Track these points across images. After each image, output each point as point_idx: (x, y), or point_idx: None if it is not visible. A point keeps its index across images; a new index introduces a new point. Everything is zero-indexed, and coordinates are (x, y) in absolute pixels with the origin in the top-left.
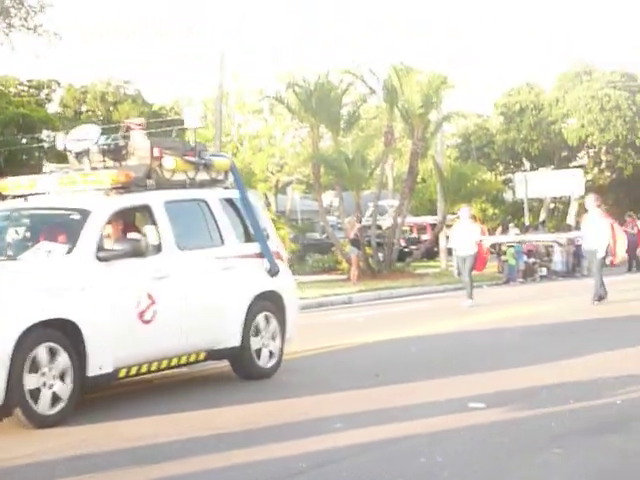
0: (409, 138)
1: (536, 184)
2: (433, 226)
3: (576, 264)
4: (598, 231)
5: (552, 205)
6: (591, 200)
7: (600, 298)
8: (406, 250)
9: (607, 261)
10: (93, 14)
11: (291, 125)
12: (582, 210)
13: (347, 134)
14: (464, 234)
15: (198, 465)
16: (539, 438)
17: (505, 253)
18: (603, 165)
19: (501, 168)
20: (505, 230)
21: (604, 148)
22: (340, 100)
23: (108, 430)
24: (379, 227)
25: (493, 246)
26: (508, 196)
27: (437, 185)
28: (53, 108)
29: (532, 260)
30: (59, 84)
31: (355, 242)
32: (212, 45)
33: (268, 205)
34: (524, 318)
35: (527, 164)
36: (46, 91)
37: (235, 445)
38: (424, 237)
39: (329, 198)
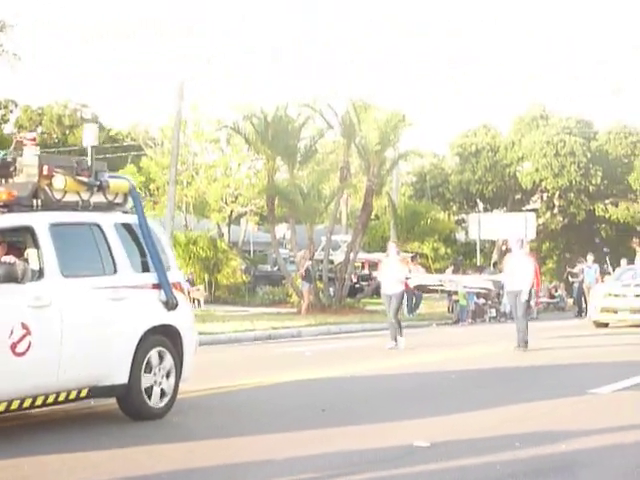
0: (365, 174)
1: (489, 226)
2: None
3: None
4: (522, 272)
5: (504, 247)
6: (514, 240)
7: (525, 344)
8: (357, 286)
9: (532, 303)
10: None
11: (247, 156)
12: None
13: (303, 168)
14: (390, 272)
15: None
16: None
17: (456, 293)
18: (556, 210)
19: (455, 208)
20: (456, 270)
21: (557, 193)
22: (297, 133)
23: None
24: (331, 262)
25: (418, 287)
26: (461, 236)
27: (391, 222)
28: (9, 129)
29: (482, 301)
30: (16, 105)
31: (307, 276)
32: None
33: (221, 235)
34: (454, 361)
35: (481, 205)
36: (2, 111)
37: None
38: (375, 274)
39: (282, 231)
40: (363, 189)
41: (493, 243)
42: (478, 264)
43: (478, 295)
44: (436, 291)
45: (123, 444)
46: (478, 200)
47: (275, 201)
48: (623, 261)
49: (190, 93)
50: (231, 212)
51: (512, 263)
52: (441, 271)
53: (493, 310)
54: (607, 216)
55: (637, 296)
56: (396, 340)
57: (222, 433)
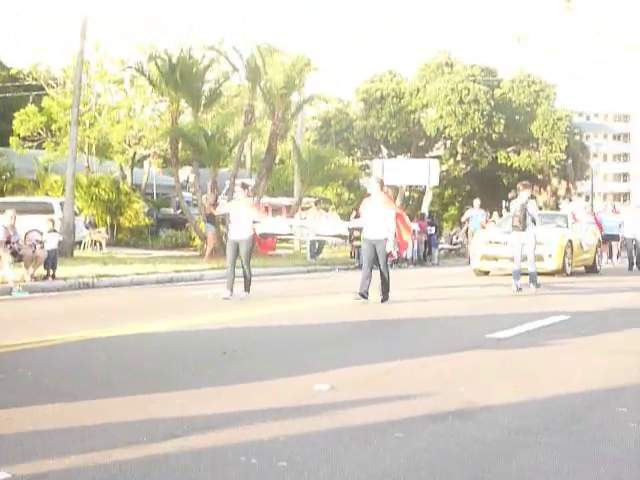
0: (269, 118)
1: (393, 172)
2: (289, 207)
3: (427, 253)
4: (382, 218)
5: (407, 193)
6: (373, 182)
7: (362, 296)
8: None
9: (395, 253)
10: None
11: (151, 98)
12: (435, 200)
13: (208, 111)
14: (240, 215)
15: None
16: (380, 422)
17: (358, 238)
18: (459, 157)
19: (359, 154)
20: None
21: (461, 140)
22: (202, 76)
23: None
24: None
25: (265, 235)
26: (364, 182)
27: (295, 167)
28: None
29: None
30: None
31: (211, 219)
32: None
33: (124, 178)
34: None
35: (385, 151)
36: None
37: None
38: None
39: (186, 174)
40: (268, 133)
41: (397, 189)
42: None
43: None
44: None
45: None
46: (382, 146)
47: (179, 144)
48: (476, 201)
49: (93, 32)
50: (134, 154)
51: (371, 208)
52: (345, 217)
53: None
54: (509, 164)
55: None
56: (232, 290)
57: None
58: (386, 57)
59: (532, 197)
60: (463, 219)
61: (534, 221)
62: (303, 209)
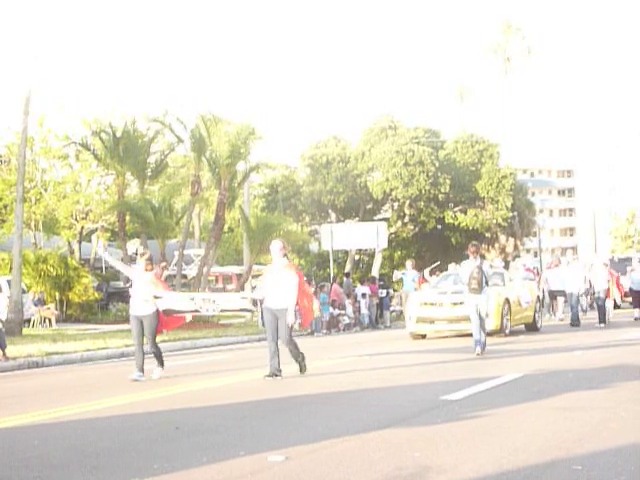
0: (216, 188)
1: (342, 236)
2: (239, 276)
3: (379, 315)
4: (284, 286)
5: (357, 257)
6: (276, 247)
7: (274, 374)
8: None
9: (297, 325)
10: None
11: (97, 172)
12: (385, 262)
13: (154, 182)
14: (140, 289)
15: None
16: None
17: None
18: (407, 219)
19: (307, 219)
20: (309, 282)
21: (408, 202)
22: (147, 148)
23: None
24: (184, 276)
25: (167, 312)
26: (314, 247)
27: (244, 235)
28: None
29: (337, 311)
30: None
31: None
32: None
33: (72, 253)
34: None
35: (333, 215)
36: None
37: None
38: (230, 287)
39: (135, 246)
40: (215, 202)
41: (346, 253)
42: (332, 275)
43: (332, 304)
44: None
45: None
46: (330, 211)
47: (126, 217)
48: (451, 265)
49: (37, 106)
50: (82, 229)
51: (272, 275)
52: None
53: (346, 318)
54: (456, 223)
55: (454, 304)
56: (142, 370)
57: None
58: (330, 122)
59: (483, 257)
60: (394, 279)
61: (487, 283)
62: (254, 277)
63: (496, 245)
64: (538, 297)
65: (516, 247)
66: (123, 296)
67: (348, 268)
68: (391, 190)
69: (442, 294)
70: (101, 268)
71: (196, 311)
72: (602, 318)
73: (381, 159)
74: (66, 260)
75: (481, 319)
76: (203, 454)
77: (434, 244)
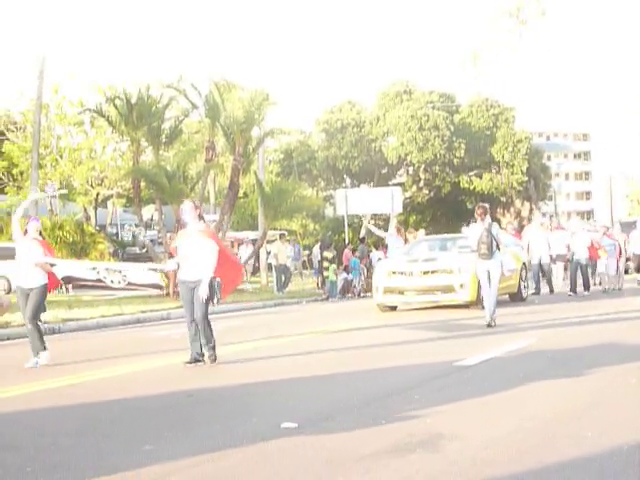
0: (231, 154)
1: (356, 201)
2: (254, 241)
3: None
4: (199, 255)
5: (372, 222)
6: (187, 209)
7: (195, 360)
8: None
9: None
10: None
11: (112, 138)
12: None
13: (169, 148)
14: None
15: None
16: (345, 459)
17: (327, 269)
18: (422, 183)
19: (322, 184)
20: (326, 247)
21: (423, 166)
22: (162, 114)
23: None
24: None
25: (67, 279)
26: (329, 212)
27: (258, 200)
28: None
29: (350, 276)
30: None
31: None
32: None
33: (88, 219)
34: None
35: (348, 181)
36: None
37: None
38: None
39: (150, 212)
40: (230, 168)
41: (361, 218)
42: (347, 240)
43: (346, 269)
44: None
45: None
46: (345, 175)
47: (141, 183)
48: (464, 228)
49: (51, 73)
50: (97, 195)
51: (187, 242)
52: (309, 247)
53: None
54: (472, 188)
55: (425, 273)
56: (39, 354)
57: None
58: (345, 87)
59: (493, 219)
60: (362, 234)
61: (498, 247)
62: (269, 242)
63: (511, 209)
64: (524, 264)
65: (532, 211)
66: (139, 261)
67: (363, 233)
68: (406, 155)
69: (413, 262)
70: (117, 233)
71: (99, 281)
72: (584, 285)
73: (396, 124)
74: (82, 226)
75: (493, 287)
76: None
77: (449, 209)
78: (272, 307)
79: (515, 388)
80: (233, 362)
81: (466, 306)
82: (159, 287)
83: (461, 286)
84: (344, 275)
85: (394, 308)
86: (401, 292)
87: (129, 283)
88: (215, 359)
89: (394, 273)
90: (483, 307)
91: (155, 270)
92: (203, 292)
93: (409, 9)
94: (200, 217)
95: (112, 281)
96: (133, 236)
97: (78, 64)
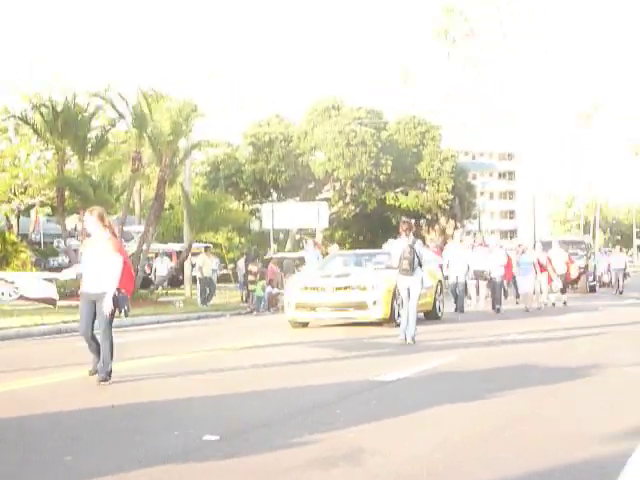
0: (157, 165)
1: (283, 215)
2: (179, 254)
3: None
4: (104, 266)
5: (298, 236)
6: (91, 218)
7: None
8: (151, 277)
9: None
10: None
11: (37, 146)
12: (325, 241)
13: (94, 158)
14: None
15: None
16: (268, 473)
17: (253, 282)
18: (348, 199)
19: (249, 198)
20: (251, 261)
21: (349, 182)
22: (88, 124)
23: None
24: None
25: None
26: (255, 226)
27: (184, 213)
28: None
29: (275, 290)
30: None
31: None
32: None
33: (10, 227)
34: None
35: (275, 195)
36: None
37: None
38: (170, 264)
39: (74, 222)
40: (156, 179)
41: (287, 232)
42: (272, 254)
43: (270, 283)
44: None
45: None
46: (272, 189)
47: (65, 192)
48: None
49: None
50: (20, 203)
51: (90, 252)
52: (234, 260)
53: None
54: (397, 204)
55: (338, 289)
56: None
57: None
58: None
59: (416, 235)
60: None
61: (420, 264)
62: (193, 254)
63: (436, 227)
64: (440, 281)
65: (456, 229)
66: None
67: (289, 247)
68: (333, 170)
69: (326, 277)
70: (40, 243)
71: None
72: (498, 302)
73: (324, 139)
74: (4, 235)
75: (413, 302)
76: None
77: (375, 225)
78: (196, 320)
79: (433, 406)
80: (152, 377)
81: (379, 323)
82: (52, 302)
83: (374, 303)
84: (269, 289)
85: (306, 324)
86: (313, 308)
87: (21, 296)
88: (105, 379)
89: (307, 288)
90: (397, 324)
91: (50, 280)
92: (107, 307)
93: (339, 25)
94: (107, 227)
95: (2, 292)
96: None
97: (4, 70)
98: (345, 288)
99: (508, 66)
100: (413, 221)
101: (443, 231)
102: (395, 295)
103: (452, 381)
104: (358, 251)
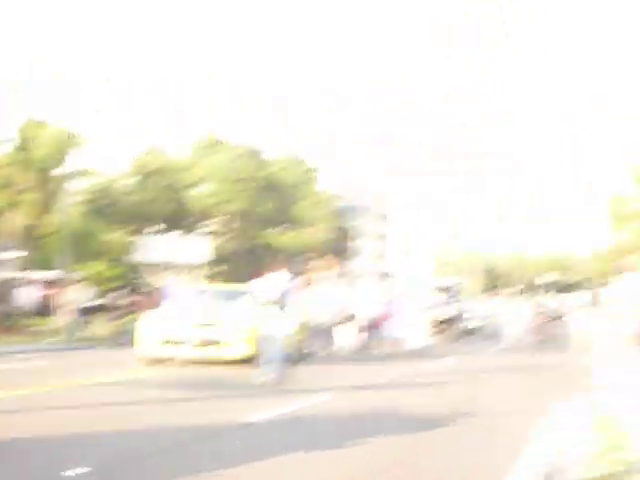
0: (36, 191)
1: (163, 248)
2: (53, 282)
3: None
4: None
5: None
6: None
7: None
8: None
9: None
10: None
11: None
12: (203, 275)
13: None
14: None
15: None
16: None
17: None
18: (229, 234)
19: (129, 229)
20: (128, 292)
21: (231, 217)
22: None
23: None
24: None
25: None
26: (134, 257)
27: (61, 241)
28: None
29: None
30: None
31: None
32: None
33: None
34: None
35: (155, 227)
36: None
37: None
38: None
39: None
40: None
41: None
42: (148, 287)
43: None
44: None
45: None
46: (153, 221)
47: None
48: (253, 281)
49: None
50: None
51: None
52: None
53: None
54: (277, 242)
55: (200, 325)
56: None
57: None
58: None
59: (291, 274)
60: None
61: (291, 301)
62: (68, 284)
63: (314, 265)
64: (309, 322)
65: (332, 269)
66: None
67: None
68: (215, 205)
69: (187, 313)
70: None
71: None
72: (371, 344)
73: (208, 173)
74: None
75: (279, 342)
76: None
77: (254, 261)
78: (66, 350)
79: (298, 450)
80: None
81: (241, 362)
82: None
83: (237, 341)
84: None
85: (163, 361)
86: (172, 344)
87: None
88: None
89: (166, 322)
90: (262, 364)
91: None
92: None
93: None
94: None
95: None
96: None
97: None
98: (207, 325)
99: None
100: (285, 259)
101: (321, 269)
102: (259, 333)
103: (315, 424)
104: (224, 286)
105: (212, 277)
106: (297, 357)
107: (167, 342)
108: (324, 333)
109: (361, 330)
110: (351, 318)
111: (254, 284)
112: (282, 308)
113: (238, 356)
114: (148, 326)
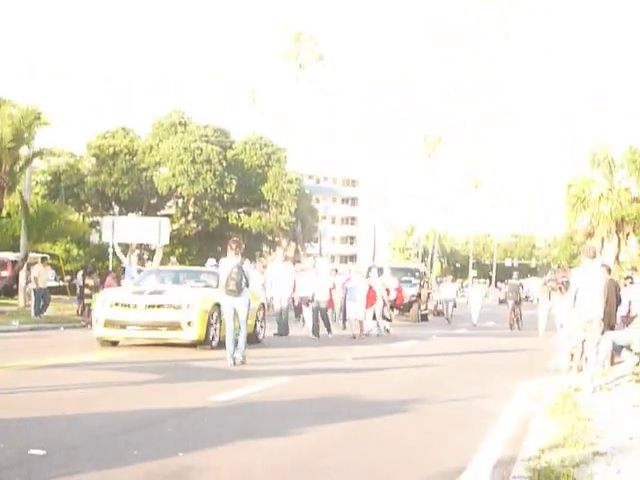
0: None
1: (123, 229)
2: (14, 263)
3: None
4: None
5: (137, 251)
6: None
7: None
8: None
9: None
10: None
11: None
12: (165, 258)
13: None
14: None
15: None
16: None
17: (89, 296)
18: (190, 216)
19: (90, 210)
20: (89, 274)
21: (192, 199)
22: None
23: None
24: None
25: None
26: (95, 238)
27: (22, 222)
28: None
29: None
30: None
31: None
32: None
33: None
34: None
35: (116, 208)
36: None
37: None
38: (4, 273)
39: None
40: None
41: (127, 246)
42: (110, 267)
43: None
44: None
45: None
46: (114, 203)
47: None
48: (209, 261)
49: None
50: None
51: None
52: (73, 273)
53: None
54: (240, 224)
55: (150, 307)
56: None
57: None
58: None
59: (243, 256)
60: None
61: (247, 285)
62: (29, 265)
63: (277, 248)
64: (263, 304)
65: (297, 252)
66: None
67: (127, 261)
68: (177, 186)
69: (138, 294)
70: None
71: None
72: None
73: (169, 154)
74: None
75: (241, 325)
76: None
77: (216, 243)
78: (28, 331)
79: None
80: None
81: (193, 345)
82: None
83: (189, 324)
84: None
85: (115, 343)
86: (123, 326)
87: None
88: None
89: (117, 305)
90: (213, 347)
91: None
92: None
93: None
94: None
95: None
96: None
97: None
98: (158, 306)
99: (355, 91)
100: (241, 240)
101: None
102: (211, 316)
103: (270, 407)
104: (178, 268)
105: (176, 258)
106: (253, 339)
107: (120, 323)
108: (280, 316)
109: (317, 312)
110: (306, 301)
111: (210, 265)
112: (240, 290)
113: (191, 338)
114: (102, 306)
